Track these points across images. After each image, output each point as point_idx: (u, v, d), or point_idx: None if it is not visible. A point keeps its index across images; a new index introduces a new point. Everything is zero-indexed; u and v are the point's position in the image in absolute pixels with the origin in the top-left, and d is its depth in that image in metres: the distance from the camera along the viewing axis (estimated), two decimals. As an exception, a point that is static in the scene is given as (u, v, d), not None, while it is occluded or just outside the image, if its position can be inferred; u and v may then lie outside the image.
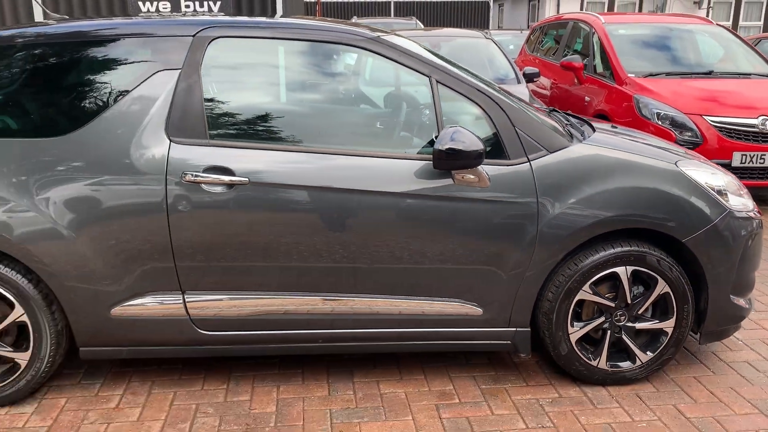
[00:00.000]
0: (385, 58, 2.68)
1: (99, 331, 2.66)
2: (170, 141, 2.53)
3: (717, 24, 7.14)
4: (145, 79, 2.56)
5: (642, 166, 2.76)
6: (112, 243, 2.53)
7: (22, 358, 2.65)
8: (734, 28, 19.97)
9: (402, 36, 3.08)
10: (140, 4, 5.27)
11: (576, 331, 2.79)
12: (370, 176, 2.57)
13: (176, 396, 2.78)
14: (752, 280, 2.95)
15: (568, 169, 2.67)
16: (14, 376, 2.66)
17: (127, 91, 2.56)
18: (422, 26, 13.04)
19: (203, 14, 5.23)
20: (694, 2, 19.95)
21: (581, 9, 19.74)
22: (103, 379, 2.92)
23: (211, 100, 2.61)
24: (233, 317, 2.66)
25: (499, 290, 2.71)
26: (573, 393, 2.81)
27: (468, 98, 2.66)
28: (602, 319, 2.80)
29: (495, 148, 2.63)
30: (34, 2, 5.09)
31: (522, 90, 6.30)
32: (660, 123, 5.58)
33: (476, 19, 23.05)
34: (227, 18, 2.73)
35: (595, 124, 3.26)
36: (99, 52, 2.63)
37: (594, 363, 2.82)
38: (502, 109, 2.66)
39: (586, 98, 6.66)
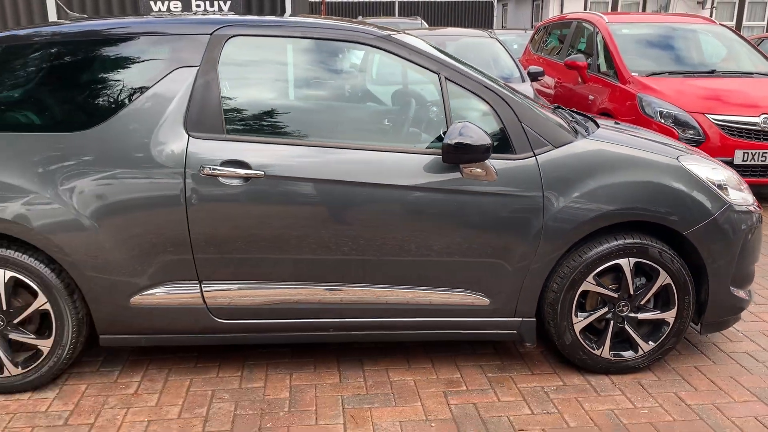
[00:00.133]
0: (395, 56, 2.76)
1: (118, 320, 2.76)
2: (189, 136, 2.62)
3: (720, 24, 7.21)
4: (165, 76, 2.66)
5: (644, 161, 2.84)
6: (132, 234, 2.62)
7: (45, 345, 2.75)
8: (738, 28, 20.00)
9: (411, 34, 3.17)
10: (151, 3, 5.37)
11: (580, 321, 2.87)
12: (381, 170, 2.66)
13: (192, 383, 2.87)
14: (752, 272, 3.03)
15: (572, 164, 2.75)
16: (37, 362, 2.76)
17: (147, 88, 2.65)
18: (427, 26, 13.12)
19: (213, 13, 5.33)
20: (698, 2, 19.99)
21: (585, 9, 19.79)
22: (122, 366, 3.02)
23: (227, 96, 2.70)
24: (248, 306, 2.75)
25: (505, 281, 2.79)
26: (577, 381, 2.90)
27: (476, 95, 2.75)
28: (605, 309, 2.89)
29: (502, 143, 2.72)
30: (52, 1, 5.18)
31: (526, 89, 6.38)
32: (663, 121, 5.66)
33: (480, 18, 23.12)
34: (243, 17, 2.82)
35: (598, 121, 3.34)
36: (120, 50, 2.73)
37: (597, 352, 2.91)
38: (508, 105, 2.75)
39: (590, 97, 6.74)
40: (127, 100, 2.65)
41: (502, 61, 7.06)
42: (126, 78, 2.70)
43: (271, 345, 3.17)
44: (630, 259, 2.81)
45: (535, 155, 2.73)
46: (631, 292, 2.86)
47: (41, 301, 2.70)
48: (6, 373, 2.75)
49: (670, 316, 2.90)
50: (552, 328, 2.89)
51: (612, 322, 2.89)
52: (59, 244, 2.61)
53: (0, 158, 2.61)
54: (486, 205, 2.69)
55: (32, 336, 2.76)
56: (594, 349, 2.91)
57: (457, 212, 2.69)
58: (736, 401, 2.74)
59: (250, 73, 2.85)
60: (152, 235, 2.63)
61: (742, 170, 5.47)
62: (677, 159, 2.89)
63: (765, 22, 20.55)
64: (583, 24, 7.57)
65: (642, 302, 2.89)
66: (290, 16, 3.14)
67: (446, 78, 2.74)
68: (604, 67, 6.71)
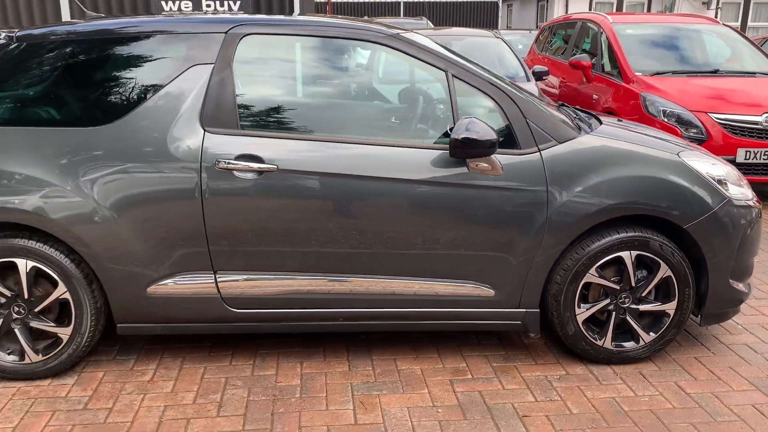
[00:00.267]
0: (404, 54, 2.85)
1: (135, 309, 2.85)
2: (204, 131, 2.72)
3: (723, 24, 7.27)
4: (181, 73, 2.75)
5: (646, 156, 2.92)
6: (149, 226, 2.72)
7: (64, 332, 2.84)
8: (743, 29, 20.01)
9: (419, 34, 3.25)
10: (162, 3, 5.47)
11: (583, 313, 2.95)
12: (391, 164, 2.74)
13: (206, 370, 2.96)
14: (751, 265, 3.10)
15: (576, 159, 2.83)
16: (57, 350, 2.85)
17: (164, 85, 2.75)
18: (432, 26, 13.20)
19: (224, 13, 5.42)
20: (703, 2, 20.01)
21: (590, 9, 19.84)
22: (137, 355, 3.11)
23: (241, 92, 2.79)
24: (260, 296, 2.84)
25: (510, 273, 2.87)
26: (579, 371, 2.98)
27: (482, 91, 2.83)
28: (608, 301, 2.97)
29: (507, 139, 2.80)
30: (68, 1, 5.29)
31: (531, 88, 6.46)
32: (666, 120, 5.73)
33: (485, 19, 23.19)
34: (257, 16, 2.91)
35: (601, 118, 3.42)
36: (138, 48, 2.82)
37: (600, 343, 2.99)
38: (514, 101, 2.83)
39: (594, 96, 6.81)
40: (144, 97, 2.74)
41: (507, 61, 7.14)
42: (143, 75, 2.79)
43: (281, 335, 3.26)
44: (631, 251, 2.88)
45: (539, 150, 2.81)
46: (633, 284, 2.94)
47: (61, 291, 2.79)
48: (27, 360, 2.85)
49: (670, 307, 2.97)
50: (555, 319, 2.97)
51: (614, 313, 2.97)
52: (79, 236, 2.71)
53: (23, 152, 2.71)
54: (491, 198, 2.77)
55: (52, 324, 2.85)
56: (596, 340, 2.99)
57: (463, 205, 2.77)
58: (734, 390, 2.82)
59: (263, 70, 2.94)
60: (169, 226, 2.72)
61: (745, 168, 5.53)
62: (678, 155, 2.97)
63: (770, 23, 20.54)
64: (588, 24, 7.64)
65: (643, 294, 2.96)
66: (299, 15, 3.23)
67: (453, 75, 2.82)
68: (608, 67, 6.78)
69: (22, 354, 2.85)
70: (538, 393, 2.79)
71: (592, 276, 2.90)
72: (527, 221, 2.80)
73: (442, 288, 2.88)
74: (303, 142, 2.77)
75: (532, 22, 23.13)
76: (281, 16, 2.99)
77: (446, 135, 2.84)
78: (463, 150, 2.66)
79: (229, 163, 2.69)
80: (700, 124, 5.62)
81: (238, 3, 5.37)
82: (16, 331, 2.83)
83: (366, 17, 17.53)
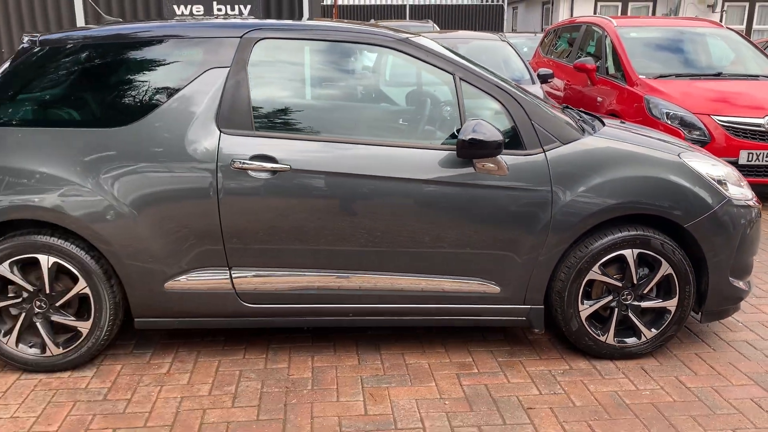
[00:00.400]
0: (413, 58, 2.94)
1: (153, 304, 2.95)
2: (220, 132, 2.82)
3: (726, 27, 7.35)
4: (198, 76, 2.85)
5: (648, 157, 3.01)
6: (167, 223, 2.82)
7: (84, 326, 2.94)
8: (748, 32, 20.05)
9: (426, 37, 3.35)
10: (174, 7, 5.59)
11: (586, 309, 3.03)
12: (400, 164, 2.84)
13: (221, 364, 3.06)
14: (750, 264, 3.18)
15: (580, 160, 2.92)
16: (77, 343, 2.95)
17: (182, 87, 2.85)
18: (438, 29, 13.29)
19: (235, 16, 5.53)
20: (708, 5, 20.05)
21: (594, 12, 19.91)
22: (153, 349, 3.21)
23: (256, 95, 2.88)
24: (273, 291, 2.93)
25: (515, 271, 2.96)
26: (583, 365, 3.06)
27: (488, 94, 2.92)
28: (610, 297, 3.05)
29: (513, 140, 2.89)
30: (80, 5, 5.41)
31: (536, 90, 6.54)
32: (669, 122, 5.81)
33: (490, 21, 23.27)
34: (271, 21, 3.01)
35: (604, 120, 3.51)
36: (157, 52, 2.93)
37: (602, 338, 3.07)
38: (519, 104, 2.92)
39: (599, 99, 6.89)
40: (163, 99, 2.84)
41: (512, 64, 7.23)
42: (162, 78, 2.89)
43: (293, 330, 3.35)
44: (633, 250, 2.97)
45: (544, 151, 2.89)
46: (635, 282, 3.02)
47: (81, 286, 2.89)
48: (48, 353, 2.95)
49: (671, 304, 3.05)
50: (559, 315, 3.05)
51: (616, 309, 3.05)
52: (99, 233, 2.81)
53: (45, 152, 2.81)
54: (497, 198, 2.86)
55: (72, 318, 2.96)
56: (599, 336, 3.07)
57: (469, 204, 2.86)
58: (733, 385, 2.90)
59: (277, 73, 3.04)
60: (186, 224, 2.82)
61: (747, 170, 5.60)
62: (678, 156, 3.05)
63: (775, 26, 20.57)
64: (592, 27, 7.73)
65: (645, 291, 3.04)
66: (308, 19, 3.33)
67: (461, 78, 2.91)
68: (612, 70, 6.87)
69: (43, 347, 2.95)
70: (543, 386, 2.88)
71: (595, 273, 2.99)
72: (532, 220, 2.88)
73: (448, 284, 2.97)
74: (315, 143, 2.87)
75: (537, 24, 23.21)
76: (294, 21, 3.10)
77: (453, 136, 2.93)
78: (470, 151, 2.75)
79: (244, 163, 2.78)
80: (703, 127, 5.69)
81: (249, 7, 5.48)
82: (38, 324, 2.93)
83: (372, 20, 17.66)
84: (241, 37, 2.89)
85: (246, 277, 2.91)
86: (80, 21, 5.49)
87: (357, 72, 3.29)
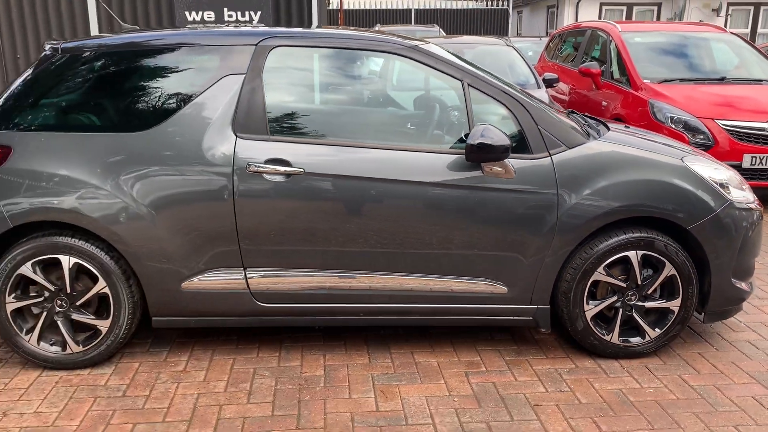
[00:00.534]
0: (422, 65, 3.03)
1: (170, 303, 3.04)
2: (236, 136, 2.91)
3: (730, 32, 7.42)
4: (215, 83, 2.95)
5: (651, 161, 3.08)
6: (185, 225, 2.91)
7: (103, 325, 3.03)
8: (753, 35, 20.07)
9: (434, 44, 3.44)
10: (186, 13, 5.69)
11: (591, 309, 3.11)
12: (410, 167, 2.92)
13: (235, 362, 3.15)
14: (752, 265, 3.25)
15: (585, 164, 3.00)
16: (96, 341, 3.05)
17: (199, 93, 2.94)
18: (444, 34, 13.39)
19: (245, 24, 5.64)
20: (713, 9, 20.09)
21: (599, 17, 19.97)
22: (169, 347, 3.30)
23: (270, 100, 2.98)
24: (286, 291, 3.02)
25: (522, 272, 3.04)
26: (588, 364, 3.14)
27: (496, 99, 3.01)
28: (615, 298, 3.12)
29: (520, 144, 2.98)
30: (94, 13, 5.53)
31: (542, 95, 6.63)
32: (674, 126, 5.88)
33: (495, 25, 23.36)
34: (285, 29, 3.11)
35: (609, 124, 3.59)
36: (174, 59, 3.03)
37: (607, 338, 3.14)
38: (526, 109, 3.00)
39: (603, 103, 6.97)
40: (181, 104, 2.94)
41: (518, 68, 7.32)
42: (180, 84, 2.99)
43: (304, 329, 3.44)
44: (637, 251, 3.04)
45: (550, 155, 2.98)
46: (639, 283, 3.09)
47: (101, 286, 2.99)
48: (69, 351, 3.04)
49: (675, 304, 3.13)
50: (565, 315, 3.13)
51: (621, 309, 3.13)
52: (119, 234, 2.90)
53: (67, 156, 2.91)
54: (505, 200, 2.94)
55: (92, 317, 3.05)
56: (604, 335, 3.14)
57: (478, 207, 2.94)
58: (735, 383, 2.97)
59: (290, 79, 3.13)
60: (203, 225, 2.91)
61: (750, 174, 5.67)
62: (681, 159, 3.13)
63: (780, 30, 20.59)
64: (597, 32, 7.81)
65: (649, 292, 3.12)
66: (317, 27, 3.43)
67: (469, 84, 3.00)
68: (617, 74, 6.94)
69: (64, 345, 3.04)
70: (549, 384, 2.95)
71: (600, 274, 3.06)
72: (538, 222, 2.96)
73: (456, 285, 3.05)
74: (327, 147, 2.96)
75: (542, 28, 23.29)
76: (306, 30, 3.19)
77: (461, 140, 3.01)
78: (479, 155, 2.84)
79: (259, 166, 2.87)
80: (706, 131, 5.76)
81: (259, 14, 5.59)
82: (59, 323, 3.02)
83: (378, 25, 17.77)
84: (256, 44, 2.99)
85: (260, 277, 3.00)
86: (94, 29, 5.60)
87: (367, 78, 3.38)
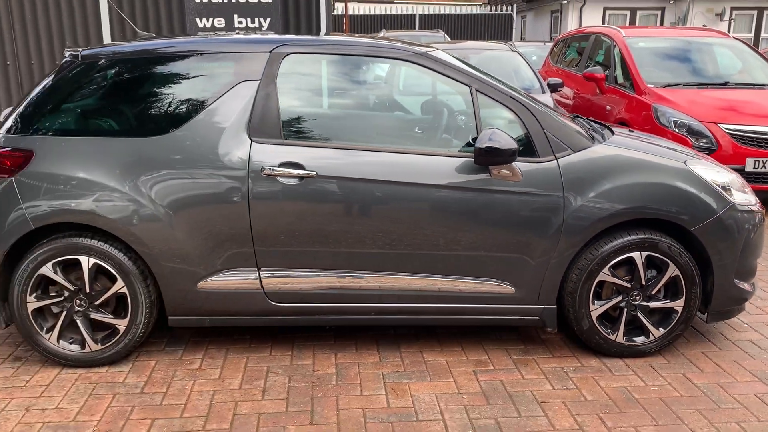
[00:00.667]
0: (431, 71, 3.12)
1: (186, 303, 3.12)
2: (251, 141, 3.00)
3: (733, 37, 7.49)
4: (230, 89, 3.04)
5: (655, 164, 3.16)
6: (201, 227, 2.99)
7: (121, 324, 3.12)
8: (756, 40, 20.13)
9: (440, 50, 3.53)
10: (197, 20, 5.80)
11: (596, 309, 3.18)
12: (420, 170, 3.00)
13: (249, 360, 3.23)
14: (754, 266, 3.32)
15: (590, 167, 3.08)
16: (114, 339, 3.13)
17: (215, 99, 3.03)
18: (449, 39, 13.48)
19: (255, 31, 5.74)
20: (716, 14, 20.16)
21: (603, 22, 20.06)
22: (184, 346, 3.38)
23: (284, 105, 3.06)
24: (299, 291, 3.10)
25: (529, 272, 3.11)
26: (593, 363, 3.21)
27: (503, 104, 3.09)
28: (620, 298, 3.19)
29: (526, 148, 3.06)
30: (106, 21, 5.64)
31: (546, 99, 6.71)
32: (677, 130, 5.95)
33: (500, 30, 23.47)
34: (297, 36, 3.20)
35: (614, 128, 3.67)
36: (191, 65, 3.12)
37: (612, 337, 3.21)
38: (532, 113, 3.08)
39: (608, 107, 7.04)
40: (197, 109, 3.03)
41: (523, 73, 7.40)
42: (196, 90, 3.08)
43: (315, 329, 3.52)
44: (642, 252, 3.11)
45: (556, 158, 3.05)
46: (643, 283, 3.17)
47: (119, 286, 3.07)
48: (87, 349, 3.13)
49: (678, 305, 3.20)
50: (571, 315, 3.20)
51: (625, 309, 3.20)
52: (137, 235, 2.99)
53: (86, 160, 3.00)
54: (512, 203, 3.02)
55: (110, 316, 3.13)
56: (609, 335, 3.21)
57: (485, 209, 3.02)
58: (738, 381, 3.04)
59: (303, 85, 3.22)
60: (219, 227, 2.99)
61: (753, 177, 5.73)
62: (685, 163, 3.20)
63: (784, 34, 20.65)
64: (601, 37, 7.89)
65: (653, 292, 3.19)
66: (326, 34, 3.52)
67: (477, 90, 3.08)
68: (621, 79, 7.02)
69: (83, 343, 3.13)
70: (556, 382, 3.03)
71: (605, 275, 3.13)
72: (545, 224, 3.04)
73: (464, 285, 3.13)
74: (339, 151, 3.04)
75: (546, 33, 23.38)
76: (317, 37, 3.29)
77: (469, 144, 3.09)
78: (487, 158, 2.92)
79: (273, 169, 2.96)
80: (710, 135, 5.83)
81: (269, 21, 5.69)
82: (78, 322, 3.11)
83: (383, 30, 17.88)
84: (270, 52, 3.08)
85: (274, 277, 3.08)
86: (107, 35, 5.71)
87: (376, 84, 3.47)
